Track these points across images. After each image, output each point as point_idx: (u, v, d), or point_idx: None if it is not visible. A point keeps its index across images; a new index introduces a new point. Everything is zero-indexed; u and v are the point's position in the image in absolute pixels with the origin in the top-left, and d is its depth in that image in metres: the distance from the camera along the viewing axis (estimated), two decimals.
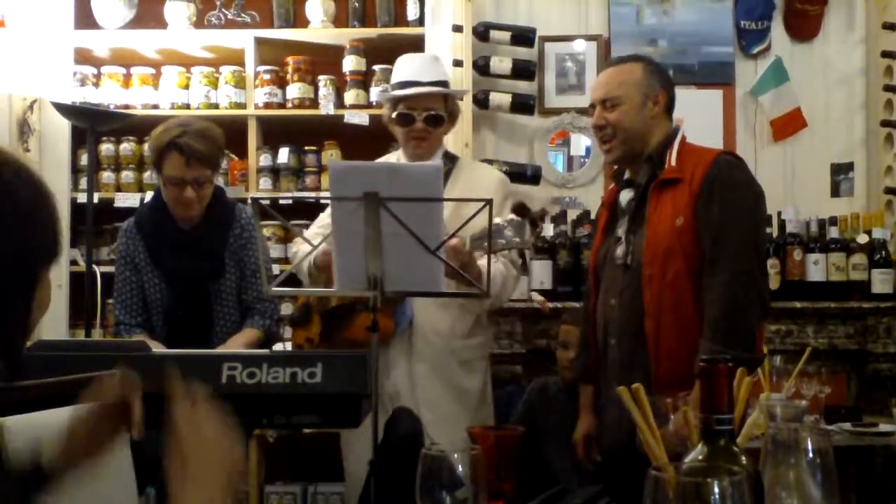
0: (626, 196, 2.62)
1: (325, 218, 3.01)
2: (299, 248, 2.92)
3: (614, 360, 2.55)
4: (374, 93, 3.96)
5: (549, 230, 3.88)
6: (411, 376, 2.82)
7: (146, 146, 2.96)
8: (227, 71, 4.03)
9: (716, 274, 2.37)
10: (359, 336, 2.77)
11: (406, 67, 2.89)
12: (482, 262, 2.62)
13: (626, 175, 2.65)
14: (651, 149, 2.55)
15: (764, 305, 2.44)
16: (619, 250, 2.56)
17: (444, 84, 2.88)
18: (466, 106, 3.92)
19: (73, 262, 3.91)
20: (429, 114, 2.81)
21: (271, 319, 2.94)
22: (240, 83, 4.02)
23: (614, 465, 2.69)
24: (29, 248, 1.12)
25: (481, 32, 4.00)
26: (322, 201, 3.18)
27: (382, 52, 3.97)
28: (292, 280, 2.78)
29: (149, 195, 3.84)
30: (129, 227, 2.96)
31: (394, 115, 2.85)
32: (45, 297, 1.17)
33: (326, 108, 3.96)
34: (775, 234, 3.87)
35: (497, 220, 2.36)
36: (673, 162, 2.50)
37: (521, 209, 2.48)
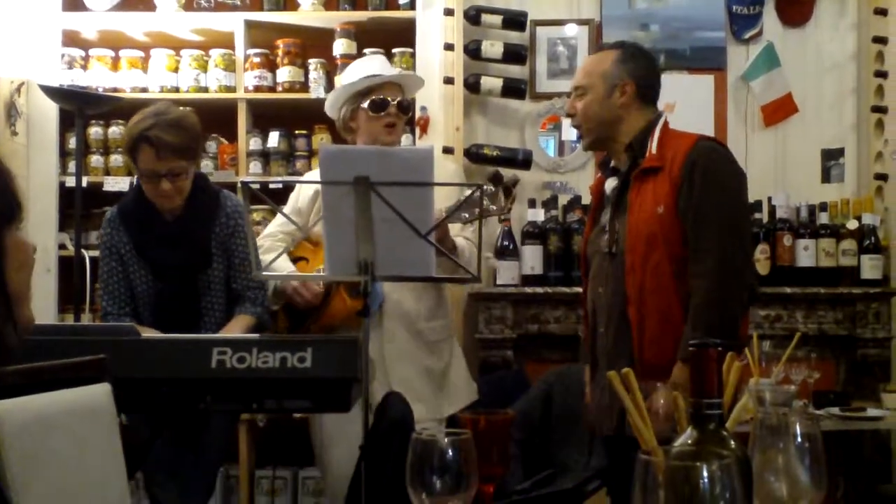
0: (610, 185, 2.63)
1: (285, 224, 2.97)
2: (265, 256, 2.86)
3: (603, 347, 2.57)
4: None
5: (539, 215, 3.88)
6: (383, 357, 2.88)
7: None
8: (216, 54, 4.00)
9: (700, 262, 2.38)
10: (334, 321, 2.79)
11: (367, 65, 3.06)
12: (452, 234, 2.73)
13: (613, 163, 2.66)
14: (630, 137, 2.55)
15: (750, 291, 2.44)
16: (604, 239, 2.57)
17: None
18: (457, 90, 3.91)
19: (62, 247, 3.88)
20: (399, 101, 2.94)
21: (262, 307, 2.88)
22: (229, 66, 3.99)
23: (606, 451, 2.72)
24: None
25: (473, 16, 3.98)
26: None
27: (373, 36, 3.95)
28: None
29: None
30: (113, 217, 2.89)
31: (365, 104, 2.92)
32: (20, 257, 1.12)
33: (317, 91, 3.94)
34: (765, 219, 3.88)
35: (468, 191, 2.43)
36: (653, 150, 2.49)
37: (495, 177, 2.56)
